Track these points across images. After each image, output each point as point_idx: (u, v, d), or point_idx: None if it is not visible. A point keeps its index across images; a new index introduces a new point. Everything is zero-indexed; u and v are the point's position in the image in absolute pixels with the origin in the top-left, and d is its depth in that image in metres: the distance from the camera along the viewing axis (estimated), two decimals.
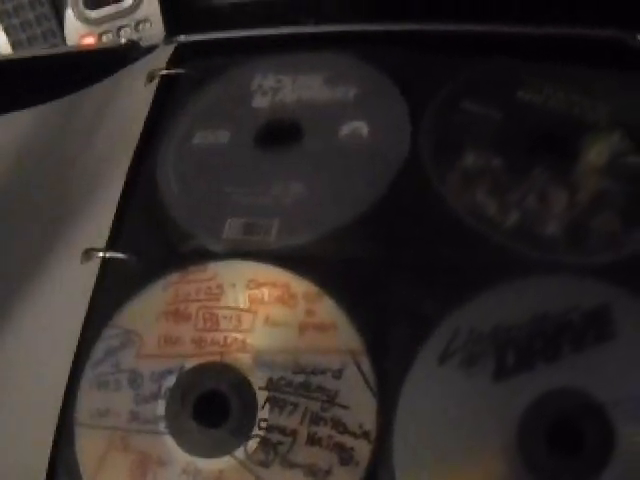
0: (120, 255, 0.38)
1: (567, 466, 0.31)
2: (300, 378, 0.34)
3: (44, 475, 0.34)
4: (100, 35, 0.52)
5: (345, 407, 0.33)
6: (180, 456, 0.33)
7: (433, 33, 0.44)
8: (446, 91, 0.41)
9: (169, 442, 0.34)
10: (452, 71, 0.42)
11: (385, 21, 0.44)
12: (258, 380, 0.34)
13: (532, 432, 0.31)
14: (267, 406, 0.34)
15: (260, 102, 0.42)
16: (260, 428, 0.33)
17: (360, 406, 0.33)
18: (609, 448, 0.30)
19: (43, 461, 0.34)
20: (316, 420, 0.33)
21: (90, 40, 0.51)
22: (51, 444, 0.34)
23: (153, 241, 0.39)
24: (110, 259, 0.38)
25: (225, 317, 0.35)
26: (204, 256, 0.37)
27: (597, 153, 0.38)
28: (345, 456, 0.32)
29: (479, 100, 0.40)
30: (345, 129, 0.40)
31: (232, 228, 0.38)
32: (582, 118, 0.39)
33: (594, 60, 0.41)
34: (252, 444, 0.33)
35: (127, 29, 0.51)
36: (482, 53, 0.42)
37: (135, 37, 0.49)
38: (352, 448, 0.32)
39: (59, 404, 0.35)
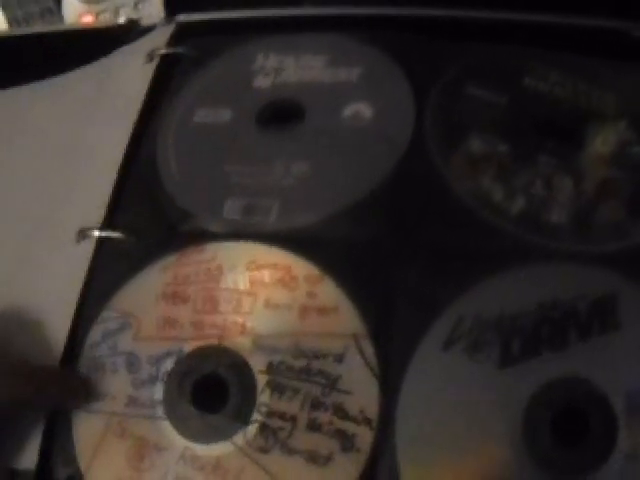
0: (117, 234, 0.38)
1: (570, 454, 0.30)
2: (301, 362, 0.33)
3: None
4: (98, 14, 0.51)
5: (347, 392, 0.33)
6: (178, 441, 0.33)
7: (439, 18, 0.43)
8: (451, 75, 0.41)
9: (166, 427, 0.33)
10: (457, 56, 0.41)
11: (390, 5, 0.44)
12: (258, 364, 0.33)
13: (536, 420, 0.31)
14: (267, 391, 0.33)
15: (262, 82, 0.42)
16: (259, 413, 0.33)
17: (362, 391, 0.33)
18: (612, 438, 0.30)
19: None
20: (317, 405, 0.33)
21: (88, 19, 0.51)
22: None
23: (151, 221, 0.38)
24: (107, 239, 0.38)
25: (224, 299, 0.35)
26: (203, 237, 0.37)
27: (603, 142, 0.38)
28: (346, 443, 0.32)
29: (485, 85, 0.40)
30: (348, 110, 0.40)
31: (232, 208, 0.37)
32: (588, 107, 0.39)
33: (599, 50, 0.41)
34: (251, 429, 0.33)
35: (126, 8, 0.51)
36: (488, 39, 0.42)
37: (134, 16, 0.48)
38: (353, 434, 0.32)
39: None
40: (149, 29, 0.46)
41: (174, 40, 0.45)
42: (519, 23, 0.43)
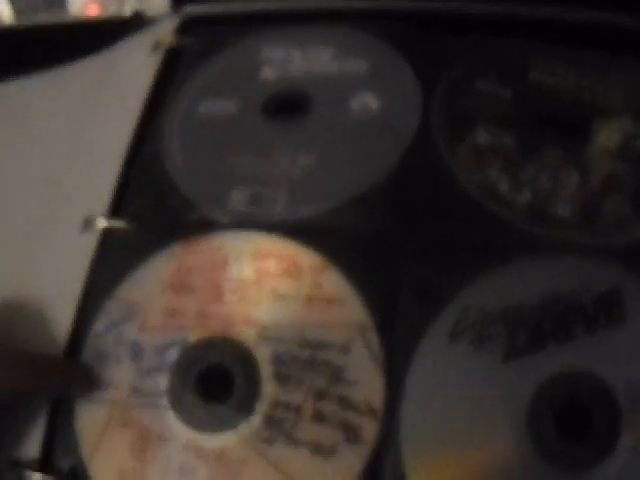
0: (121, 224, 0.38)
1: (575, 448, 0.30)
2: (306, 353, 0.33)
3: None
4: (104, 5, 0.51)
5: (352, 383, 0.33)
6: (181, 432, 0.33)
7: (446, 11, 0.43)
8: (458, 68, 0.41)
9: (170, 417, 0.33)
10: (464, 49, 0.41)
11: None
12: (263, 354, 0.33)
13: (541, 414, 0.31)
14: (272, 381, 0.33)
15: (268, 74, 0.42)
16: (264, 404, 0.33)
17: (367, 382, 0.32)
18: (617, 432, 0.30)
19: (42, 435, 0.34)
20: (321, 396, 0.32)
21: (93, 10, 0.50)
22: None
23: (156, 211, 0.38)
24: (111, 228, 0.38)
25: (230, 289, 0.35)
26: (209, 227, 0.37)
27: (608, 136, 0.38)
28: (351, 434, 0.32)
29: (491, 79, 0.40)
30: (355, 102, 0.40)
31: (238, 199, 0.37)
32: (593, 101, 0.39)
33: (605, 44, 0.40)
34: (256, 420, 0.32)
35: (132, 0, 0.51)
36: (495, 33, 0.42)
37: (139, 8, 0.48)
38: (358, 426, 0.32)
39: None
40: (155, 21, 0.46)
41: (180, 32, 0.45)
42: (525, 17, 0.43)
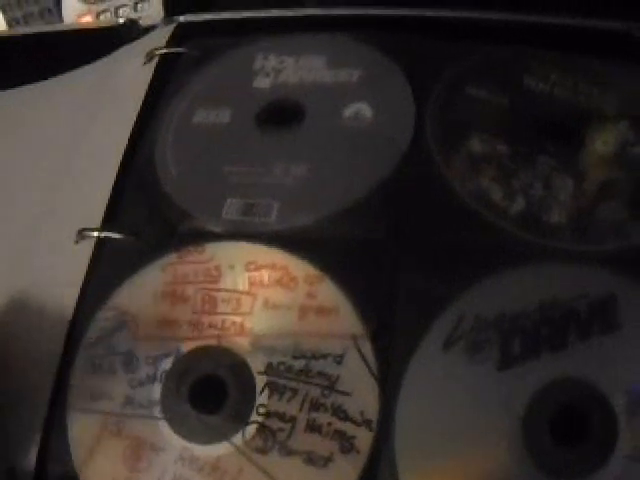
0: (116, 235, 0.38)
1: (571, 456, 0.30)
2: (300, 363, 0.33)
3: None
4: (98, 14, 0.51)
5: (346, 393, 0.32)
6: (175, 442, 0.33)
7: (439, 19, 0.43)
8: (451, 75, 0.41)
9: (164, 427, 0.33)
10: (457, 56, 0.41)
11: (391, 6, 0.44)
12: (257, 365, 0.33)
13: (536, 421, 0.31)
14: (266, 391, 0.33)
15: (262, 82, 0.42)
16: (258, 414, 0.33)
17: (362, 392, 0.32)
18: (612, 439, 0.30)
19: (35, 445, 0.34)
20: (316, 406, 0.32)
21: (88, 19, 0.51)
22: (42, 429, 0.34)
23: (150, 221, 0.38)
24: (106, 239, 0.38)
25: (223, 299, 0.35)
26: (202, 237, 0.37)
27: (604, 142, 0.38)
28: (346, 444, 0.32)
29: (485, 86, 0.40)
30: (348, 111, 0.40)
31: (231, 208, 0.37)
32: (589, 107, 0.39)
33: (600, 50, 0.40)
34: (250, 430, 0.32)
35: (126, 8, 0.50)
36: (489, 40, 0.42)
37: (133, 17, 0.48)
38: (353, 436, 0.32)
39: (50, 387, 0.34)
40: (149, 30, 0.46)
41: (174, 40, 0.45)
42: (519, 23, 0.43)
